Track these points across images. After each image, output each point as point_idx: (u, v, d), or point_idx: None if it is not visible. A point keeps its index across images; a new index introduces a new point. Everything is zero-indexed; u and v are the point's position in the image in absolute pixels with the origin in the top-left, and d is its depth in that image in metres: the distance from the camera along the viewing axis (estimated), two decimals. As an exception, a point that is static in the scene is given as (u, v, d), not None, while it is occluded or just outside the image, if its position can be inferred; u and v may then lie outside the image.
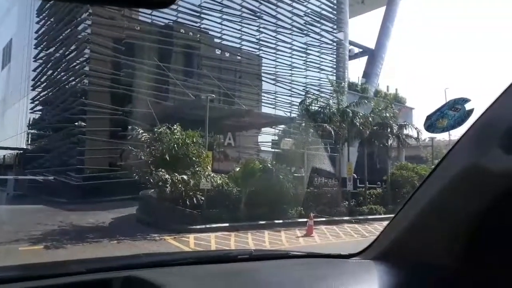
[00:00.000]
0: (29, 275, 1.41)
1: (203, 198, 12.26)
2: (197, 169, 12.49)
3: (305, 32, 28.27)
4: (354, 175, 18.41)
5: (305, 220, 12.26)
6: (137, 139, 13.02)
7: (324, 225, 12.96)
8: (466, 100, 15.38)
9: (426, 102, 64.72)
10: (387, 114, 18.86)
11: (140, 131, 13.07)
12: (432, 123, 16.10)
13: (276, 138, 23.75)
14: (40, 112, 25.20)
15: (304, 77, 28.08)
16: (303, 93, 26.14)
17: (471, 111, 14.81)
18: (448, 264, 1.18)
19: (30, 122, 26.42)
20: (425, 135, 20.38)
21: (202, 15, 23.08)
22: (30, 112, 25.64)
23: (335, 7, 30.65)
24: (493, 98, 1.07)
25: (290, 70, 27.36)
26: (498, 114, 1.06)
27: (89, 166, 19.03)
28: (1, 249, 8.33)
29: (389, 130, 18.45)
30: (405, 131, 19.56)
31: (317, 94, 22.44)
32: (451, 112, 15.30)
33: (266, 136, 25.37)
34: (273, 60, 26.53)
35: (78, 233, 10.23)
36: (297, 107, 23.83)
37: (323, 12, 29.63)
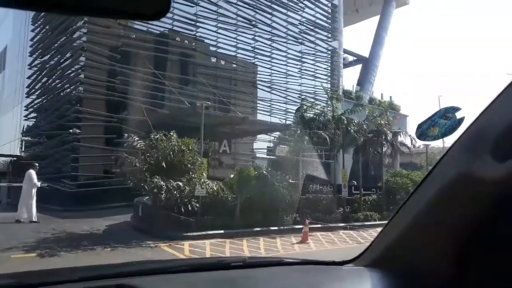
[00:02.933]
0: (21, 283, 1.40)
1: (198, 205, 12.20)
2: (192, 176, 12.45)
3: (300, 40, 28.43)
4: (354, 181, 18.46)
5: (300, 226, 12.23)
6: (132, 146, 12.97)
7: (319, 232, 12.92)
8: (456, 109, 15.54)
9: (420, 110, 65.32)
10: (382, 122, 18.94)
11: (136, 138, 13.02)
12: (423, 131, 16.23)
13: (272, 145, 23.77)
14: (35, 119, 25.02)
15: (299, 85, 28.18)
16: (298, 101, 26.29)
17: (462, 119, 14.96)
18: (441, 271, 1.19)
19: (24, 129, 26.20)
20: (420, 142, 20.51)
21: (198, 24, 23.14)
22: (25, 119, 25.46)
23: (329, 16, 30.89)
24: (485, 105, 1.08)
25: (285, 78, 27.46)
26: (490, 121, 1.07)
27: (84, 173, 18.89)
28: (-7, 257, 8.23)
29: (383, 137, 18.53)
30: (399, 138, 19.67)
31: (312, 102, 22.53)
32: (442, 121, 15.44)
33: (262, 143, 25.40)
34: (268, 68, 26.64)
35: (72, 241, 10.11)
36: (292, 115, 23.89)
37: (318, 21, 29.82)
